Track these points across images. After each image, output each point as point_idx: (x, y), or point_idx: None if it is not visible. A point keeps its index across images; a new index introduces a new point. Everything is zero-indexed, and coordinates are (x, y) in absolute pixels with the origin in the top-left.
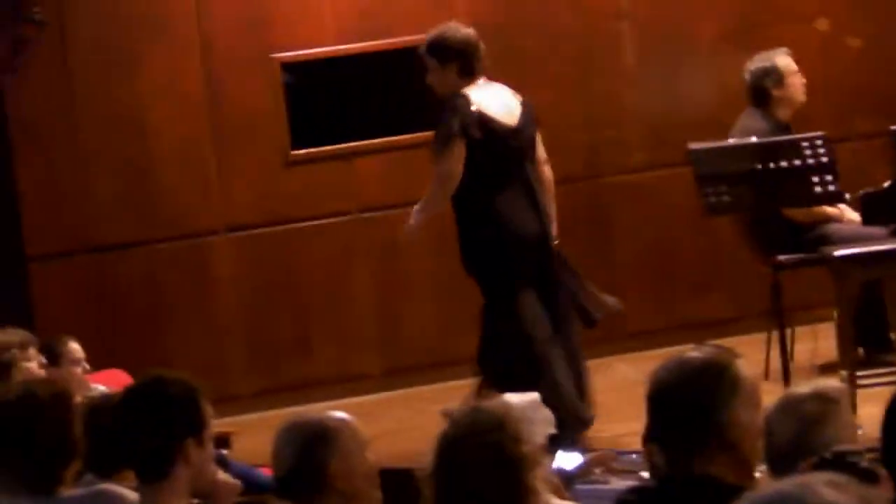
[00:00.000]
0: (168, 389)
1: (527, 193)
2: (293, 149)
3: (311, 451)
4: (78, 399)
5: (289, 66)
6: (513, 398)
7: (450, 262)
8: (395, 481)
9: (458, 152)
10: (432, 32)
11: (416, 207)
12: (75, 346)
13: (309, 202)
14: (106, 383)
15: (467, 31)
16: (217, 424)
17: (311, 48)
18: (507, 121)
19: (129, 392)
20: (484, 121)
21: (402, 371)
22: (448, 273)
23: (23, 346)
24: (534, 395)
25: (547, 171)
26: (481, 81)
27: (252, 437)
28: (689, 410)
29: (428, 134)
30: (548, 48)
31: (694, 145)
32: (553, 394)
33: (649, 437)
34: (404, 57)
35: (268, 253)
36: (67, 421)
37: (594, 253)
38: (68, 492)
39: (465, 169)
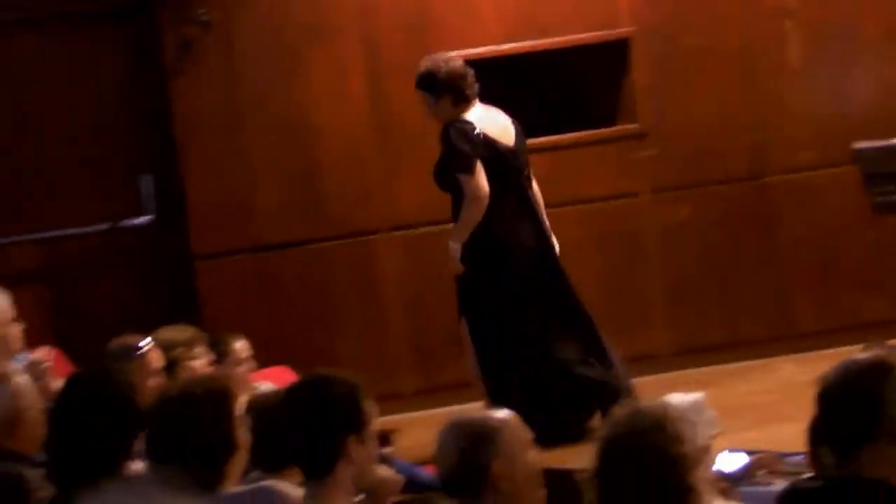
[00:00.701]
0: (331, 388)
1: (527, 210)
2: None
3: (474, 450)
4: (243, 397)
5: None
6: (675, 398)
7: (610, 259)
8: (558, 481)
9: (480, 171)
10: (421, 67)
11: (451, 238)
12: (241, 344)
13: None
14: (271, 381)
15: (454, 63)
16: (379, 422)
17: (473, 48)
18: (506, 141)
19: (292, 390)
20: (488, 142)
21: None
22: (609, 270)
23: (188, 345)
24: (697, 395)
25: (536, 188)
26: (477, 105)
27: (414, 434)
28: (858, 410)
29: (590, 133)
30: (710, 47)
31: (860, 144)
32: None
33: (817, 437)
34: (566, 56)
35: (431, 252)
36: (227, 418)
37: (760, 253)
38: (234, 488)
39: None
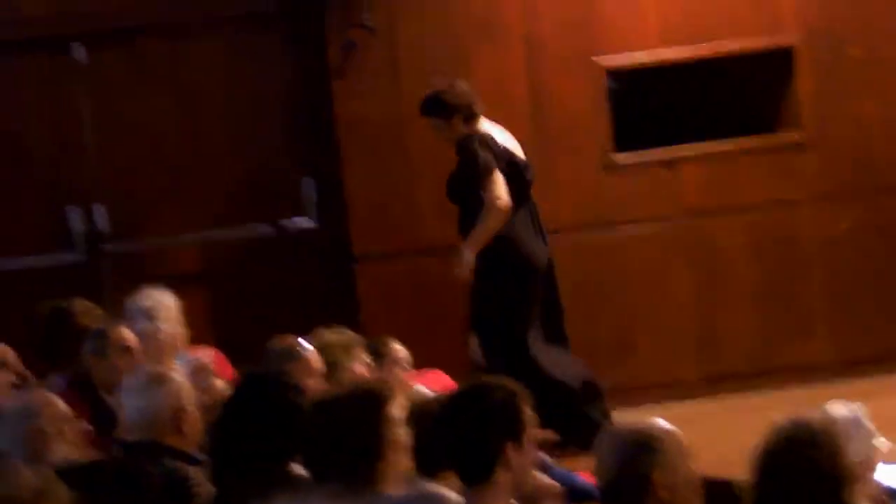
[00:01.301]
0: (491, 394)
1: (534, 222)
2: (615, 151)
3: (635, 459)
4: (401, 399)
5: (612, 71)
6: (835, 409)
7: (770, 268)
8: (717, 491)
9: (502, 181)
10: (427, 97)
11: (465, 247)
12: (398, 347)
13: (630, 205)
14: (427, 384)
15: (457, 83)
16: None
17: (634, 50)
18: (520, 154)
19: (453, 396)
20: (507, 154)
21: (721, 378)
22: (768, 279)
23: (347, 348)
24: (857, 407)
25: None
26: (484, 120)
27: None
28: None
29: (750, 140)
30: (876, 55)
31: None
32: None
33: None
34: (728, 62)
35: (588, 255)
36: (383, 422)
37: None
38: (393, 491)
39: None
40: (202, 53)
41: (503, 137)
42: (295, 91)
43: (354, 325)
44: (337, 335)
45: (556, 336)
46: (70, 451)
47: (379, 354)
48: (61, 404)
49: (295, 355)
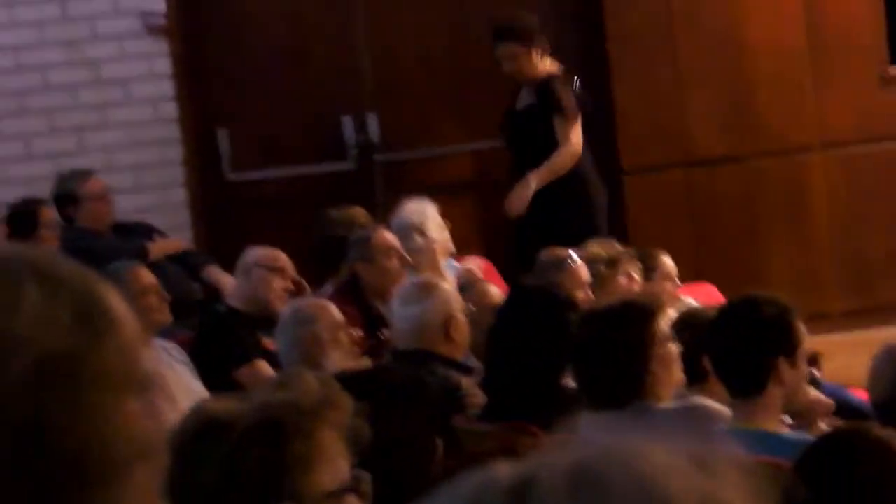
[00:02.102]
0: (762, 309)
1: (595, 161)
2: (892, 64)
3: None
4: (671, 312)
5: None
6: None
7: None
8: None
9: (580, 126)
10: (501, 20)
11: (531, 178)
12: (667, 261)
13: None
14: (696, 297)
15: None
16: (808, 343)
17: None
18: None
19: (723, 310)
20: (583, 96)
21: None
22: None
23: (615, 261)
24: None
25: None
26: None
27: (843, 357)
28: None
29: None
30: None
31: None
32: None
33: None
34: None
35: (862, 170)
36: (652, 335)
37: None
38: (662, 403)
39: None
40: None
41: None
42: (564, 3)
43: (622, 238)
44: (606, 247)
45: None
46: (343, 358)
47: (648, 267)
48: (335, 311)
49: (564, 266)
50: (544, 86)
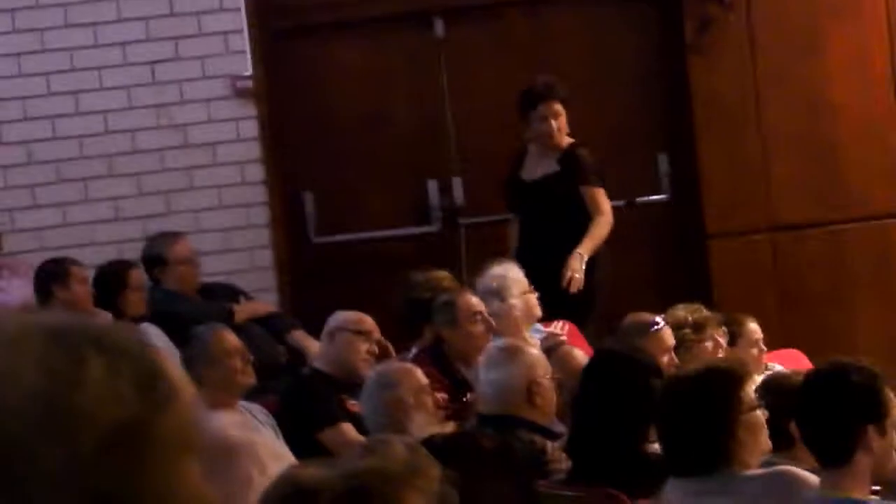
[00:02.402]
0: (849, 376)
1: None
2: None
3: None
4: (756, 378)
5: None
6: None
7: None
8: None
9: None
10: (547, 79)
11: (581, 250)
12: (753, 327)
13: None
14: (782, 363)
15: None
16: None
17: None
18: None
19: (811, 375)
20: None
21: None
22: None
23: (700, 325)
24: None
25: None
26: None
27: None
28: None
29: None
30: None
31: None
32: None
33: None
34: None
35: None
36: (737, 401)
37: None
38: (748, 470)
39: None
40: (560, 27)
41: None
42: (649, 66)
43: (707, 302)
44: (691, 312)
45: None
46: (428, 422)
47: (734, 332)
48: (420, 374)
49: (649, 331)
50: (569, 153)
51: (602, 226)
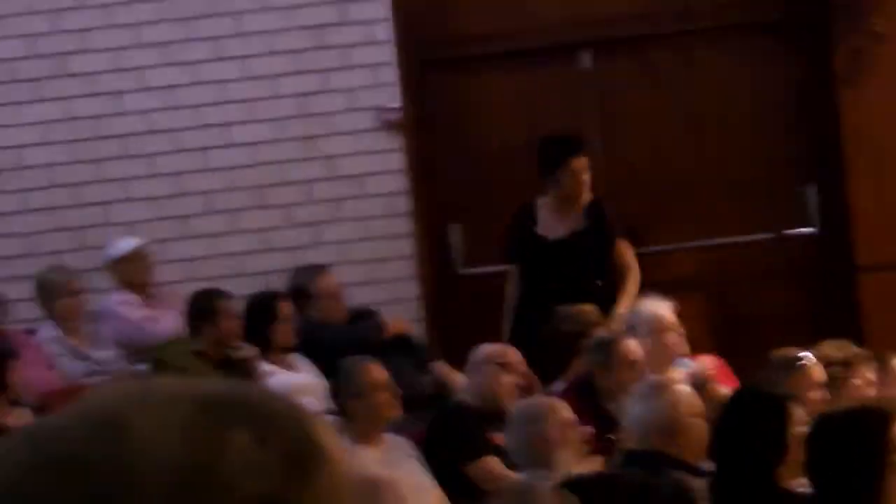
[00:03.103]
0: None
1: None
2: None
3: None
4: None
5: None
6: None
7: None
8: None
9: None
10: (571, 131)
11: (620, 310)
12: None
13: None
14: None
15: None
16: None
17: None
18: None
19: None
20: None
21: None
22: None
23: (850, 363)
24: None
25: None
26: None
27: None
28: None
29: None
30: None
31: None
32: None
33: None
34: None
35: None
36: (882, 443)
37: None
38: None
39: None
40: (706, 62)
41: None
42: (797, 99)
43: (857, 337)
44: (840, 349)
45: None
46: (573, 457)
47: (884, 370)
48: (565, 409)
49: (797, 367)
50: (595, 207)
51: (636, 282)
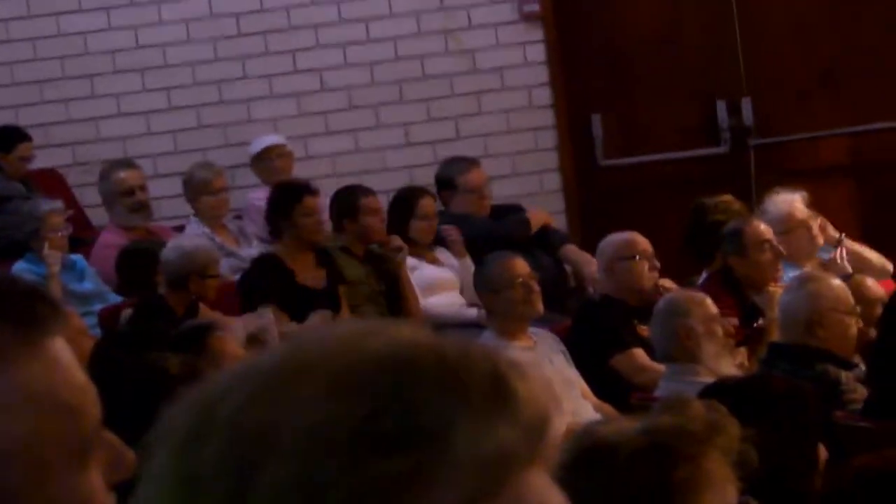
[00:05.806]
0: None
1: None
2: None
3: None
4: None
5: None
6: None
7: None
8: None
9: None
10: None
11: None
12: None
13: None
14: None
15: None
16: None
17: None
18: None
19: None
20: None
21: None
22: None
23: None
24: None
25: None
26: None
27: None
28: None
29: None
30: None
31: None
32: None
33: None
34: None
35: None
36: None
37: None
38: None
39: None
40: None
41: None
42: None
43: None
44: None
45: None
46: (718, 350)
47: None
48: (710, 303)
49: None
50: None
51: None
